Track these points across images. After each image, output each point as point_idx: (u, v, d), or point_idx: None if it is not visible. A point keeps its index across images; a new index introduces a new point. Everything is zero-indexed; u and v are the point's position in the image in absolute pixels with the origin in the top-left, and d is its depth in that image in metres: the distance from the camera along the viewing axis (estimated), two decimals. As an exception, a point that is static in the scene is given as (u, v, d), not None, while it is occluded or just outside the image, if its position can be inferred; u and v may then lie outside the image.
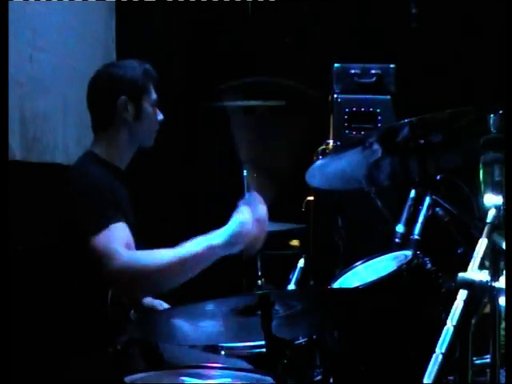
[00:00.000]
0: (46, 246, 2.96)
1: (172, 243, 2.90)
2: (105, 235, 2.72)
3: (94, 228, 2.73)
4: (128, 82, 3.04)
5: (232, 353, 3.01)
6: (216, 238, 2.72)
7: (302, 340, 3.07)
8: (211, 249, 2.71)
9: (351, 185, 3.30)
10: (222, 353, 3.01)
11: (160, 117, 3.13)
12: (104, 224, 2.74)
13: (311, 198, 4.66)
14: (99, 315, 2.78)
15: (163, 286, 2.75)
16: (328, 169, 3.28)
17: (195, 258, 2.70)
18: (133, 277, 2.67)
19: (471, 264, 1.93)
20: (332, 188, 3.51)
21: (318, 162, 3.34)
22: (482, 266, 1.95)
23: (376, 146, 3.04)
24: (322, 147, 4.49)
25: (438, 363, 1.74)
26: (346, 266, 3.20)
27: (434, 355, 1.74)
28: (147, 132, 3.11)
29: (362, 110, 4.71)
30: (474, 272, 1.91)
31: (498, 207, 2.08)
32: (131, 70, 3.07)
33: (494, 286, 1.95)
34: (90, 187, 2.87)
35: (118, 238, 2.73)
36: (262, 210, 2.83)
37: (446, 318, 1.85)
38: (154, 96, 3.08)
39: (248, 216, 2.76)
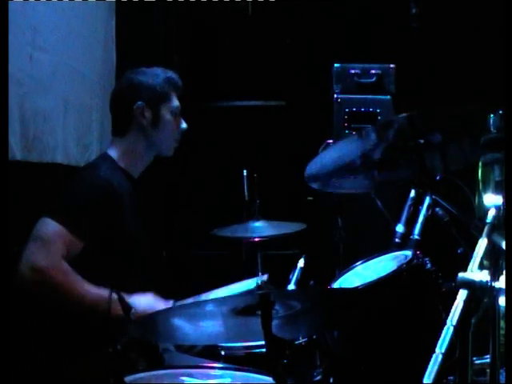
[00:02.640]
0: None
1: (171, 243, 2.91)
2: (55, 225, 2.73)
3: (50, 212, 2.75)
4: (146, 87, 3.05)
5: (232, 353, 3.01)
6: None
7: (302, 340, 3.07)
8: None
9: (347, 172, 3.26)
10: (222, 353, 3.01)
11: (183, 126, 3.12)
12: (65, 218, 2.75)
13: (311, 197, 4.66)
14: (99, 315, 2.78)
15: (60, 304, 2.77)
16: (325, 159, 3.26)
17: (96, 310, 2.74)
18: (44, 281, 2.69)
19: (471, 264, 1.93)
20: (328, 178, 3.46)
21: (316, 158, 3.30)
22: (481, 266, 1.95)
23: (372, 135, 3.03)
24: (322, 147, 4.50)
25: (437, 363, 1.74)
26: (346, 265, 3.20)
27: (434, 355, 1.74)
28: (166, 140, 3.09)
29: (362, 110, 4.71)
30: (474, 272, 1.91)
31: (497, 207, 2.08)
32: (151, 77, 3.08)
33: (493, 286, 1.95)
34: (81, 186, 2.88)
35: (63, 239, 2.73)
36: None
37: (446, 318, 1.85)
38: (175, 104, 3.08)
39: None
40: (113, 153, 3.05)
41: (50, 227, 2.74)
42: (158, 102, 3.05)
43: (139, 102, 3.02)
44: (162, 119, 3.06)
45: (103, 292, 2.71)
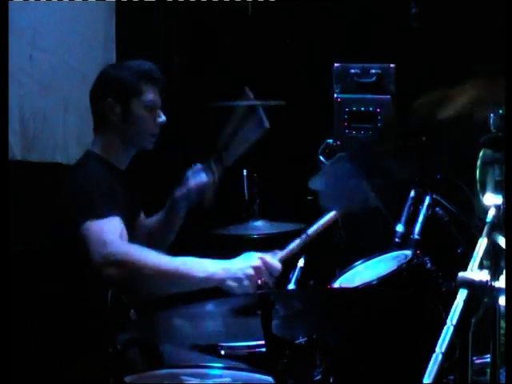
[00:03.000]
0: (46, 245, 2.96)
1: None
2: (100, 223, 2.70)
3: (88, 215, 2.71)
4: (115, 82, 2.98)
5: (232, 353, 3.00)
6: (220, 268, 2.70)
7: (301, 340, 3.06)
8: (210, 276, 2.69)
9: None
10: (222, 352, 3.01)
11: (160, 119, 3.05)
12: (100, 213, 2.72)
13: (311, 197, 4.65)
14: (99, 315, 2.78)
15: (150, 286, 2.71)
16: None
17: (190, 277, 2.68)
18: (123, 266, 2.64)
19: (471, 263, 1.93)
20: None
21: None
22: (481, 266, 1.94)
23: None
24: (322, 146, 4.50)
25: (437, 363, 1.73)
26: (346, 265, 3.20)
27: (434, 355, 1.74)
28: (139, 135, 3.02)
29: (362, 109, 4.71)
30: (474, 271, 1.91)
31: (497, 207, 2.08)
32: (122, 71, 3.01)
33: (493, 286, 1.95)
34: (89, 182, 2.86)
35: (113, 229, 2.71)
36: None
37: (446, 318, 1.85)
38: (148, 98, 3.00)
39: (254, 262, 2.77)
40: (96, 149, 3.03)
41: (91, 226, 2.70)
42: (127, 97, 2.97)
43: (109, 99, 2.97)
44: (134, 114, 2.98)
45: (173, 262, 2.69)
